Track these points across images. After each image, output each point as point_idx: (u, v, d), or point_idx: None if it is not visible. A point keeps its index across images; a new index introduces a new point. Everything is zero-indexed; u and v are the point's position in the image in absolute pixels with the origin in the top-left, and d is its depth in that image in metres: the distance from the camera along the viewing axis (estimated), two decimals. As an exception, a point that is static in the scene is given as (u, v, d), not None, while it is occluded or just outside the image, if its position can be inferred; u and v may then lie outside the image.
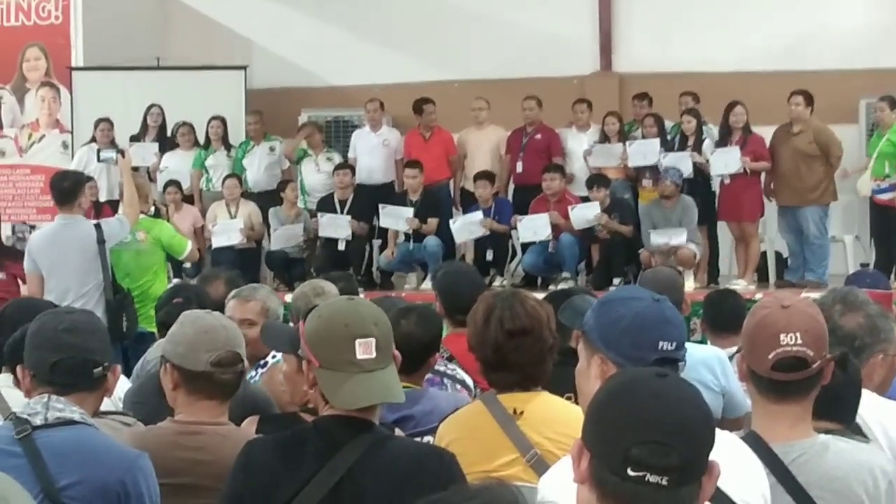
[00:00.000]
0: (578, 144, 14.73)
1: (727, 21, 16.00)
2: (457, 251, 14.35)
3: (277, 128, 15.96)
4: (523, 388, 4.26)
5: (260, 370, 5.62)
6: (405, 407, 4.52)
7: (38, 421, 3.67)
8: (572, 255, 13.73)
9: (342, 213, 14.42)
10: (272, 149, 15.57)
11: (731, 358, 6.18)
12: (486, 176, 14.32)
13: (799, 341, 3.31)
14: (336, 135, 16.66)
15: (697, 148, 13.83)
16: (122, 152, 10.98)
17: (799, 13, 15.83)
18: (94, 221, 9.81)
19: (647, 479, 2.23)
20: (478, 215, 14.02)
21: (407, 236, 14.23)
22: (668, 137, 14.32)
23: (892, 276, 13.01)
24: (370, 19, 17.22)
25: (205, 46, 17.30)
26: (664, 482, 2.23)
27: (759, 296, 11.52)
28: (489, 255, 14.11)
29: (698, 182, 13.76)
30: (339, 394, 3.32)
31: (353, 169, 14.82)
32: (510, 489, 2.24)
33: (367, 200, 14.56)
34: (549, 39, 16.48)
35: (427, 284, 13.60)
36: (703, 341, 7.53)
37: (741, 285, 12.94)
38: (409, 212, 14.06)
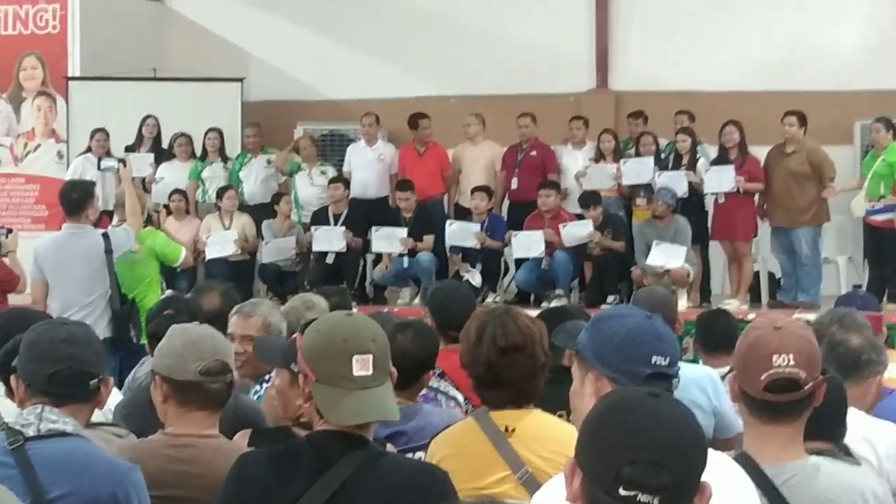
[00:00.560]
0: (573, 161, 14.74)
1: (723, 40, 16.03)
2: (449, 267, 14.33)
3: (273, 140, 15.97)
4: (515, 406, 4.26)
5: (265, 384, 5.60)
6: (398, 423, 4.51)
7: (30, 432, 3.67)
8: (566, 272, 13.73)
9: (336, 226, 14.42)
10: (269, 161, 15.59)
11: (722, 378, 6.19)
12: (483, 189, 14.34)
13: (791, 363, 3.31)
14: (332, 148, 16.67)
15: (692, 167, 13.84)
16: (123, 162, 10.98)
17: (795, 33, 15.88)
18: (102, 231, 9.79)
19: (638, 498, 2.24)
20: (475, 226, 14.02)
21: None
22: (663, 156, 14.33)
23: (885, 298, 13.03)
24: (367, 33, 17.25)
25: (201, 58, 17.31)
26: (656, 502, 2.23)
27: (751, 316, 11.53)
28: (477, 268, 14.09)
29: (692, 201, 13.77)
30: (336, 409, 3.32)
31: (347, 183, 14.82)
32: (502, 506, 2.24)
33: (361, 215, 14.57)
34: (545, 56, 16.52)
35: (418, 300, 13.58)
36: (695, 361, 7.53)
37: (734, 305, 12.95)
38: (402, 232, 14.05)
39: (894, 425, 4.60)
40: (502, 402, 4.27)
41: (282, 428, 4.45)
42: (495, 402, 4.28)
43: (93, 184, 10.39)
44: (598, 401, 2.47)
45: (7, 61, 16.76)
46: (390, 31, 17.19)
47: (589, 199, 13.91)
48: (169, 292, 13.90)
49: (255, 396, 5.38)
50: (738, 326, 7.01)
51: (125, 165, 10.64)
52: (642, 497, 2.24)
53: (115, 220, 10.48)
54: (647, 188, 13.95)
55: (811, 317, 10.15)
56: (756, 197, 13.70)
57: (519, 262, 14.30)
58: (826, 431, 3.80)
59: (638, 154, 14.41)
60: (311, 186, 15.28)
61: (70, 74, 16.54)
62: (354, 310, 6.05)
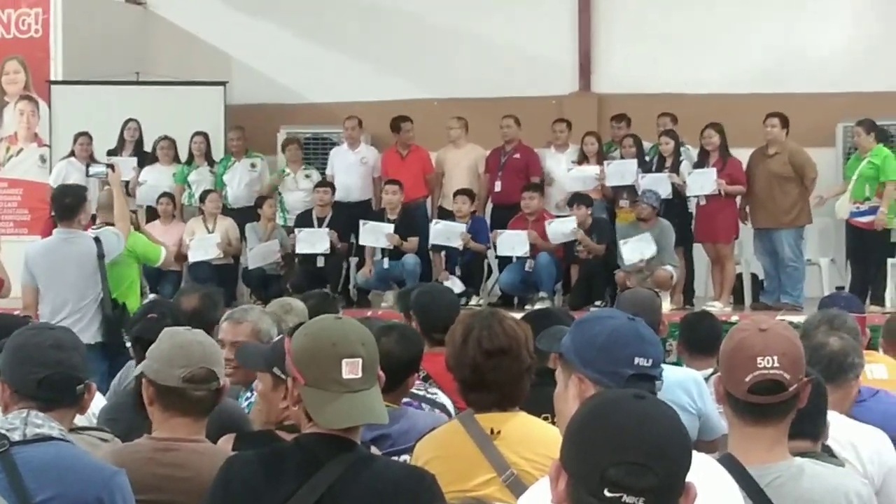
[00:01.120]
0: (557, 164, 14.78)
1: (706, 43, 16.06)
2: (433, 270, 14.34)
3: (256, 144, 15.98)
4: (501, 409, 4.26)
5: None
6: (382, 426, 4.52)
7: (16, 436, 3.66)
8: (549, 275, 13.75)
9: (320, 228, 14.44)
10: (253, 165, 15.59)
11: (706, 380, 6.21)
12: (465, 192, 14.35)
13: (776, 364, 3.32)
14: (315, 152, 16.65)
15: (675, 169, 13.87)
16: (112, 167, 10.97)
17: (778, 36, 15.92)
18: (94, 235, 9.78)
19: (623, 500, 2.24)
20: (460, 226, 14.03)
21: (384, 254, 14.22)
22: (647, 158, 14.36)
23: (867, 300, 13.07)
24: (350, 37, 17.26)
25: (184, 61, 17.31)
26: (641, 503, 2.24)
27: (735, 318, 11.57)
28: (457, 272, 14.09)
29: (675, 203, 13.79)
30: (325, 413, 3.32)
31: (333, 187, 14.81)
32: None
33: (344, 218, 14.57)
34: (528, 59, 16.54)
35: (391, 300, 13.58)
36: (678, 363, 7.55)
37: (717, 307, 12.97)
38: (389, 227, 14.06)
39: (876, 429, 4.63)
40: (488, 405, 4.27)
41: (266, 431, 4.45)
42: (481, 405, 4.29)
43: (85, 189, 10.40)
44: (582, 403, 2.48)
45: (-11, 66, 16.75)
46: (373, 35, 17.20)
47: (577, 198, 13.91)
48: (152, 296, 13.95)
49: (247, 403, 5.37)
50: (721, 328, 7.03)
51: (114, 171, 10.64)
52: (627, 499, 2.24)
53: (98, 221, 10.46)
54: (631, 190, 13.98)
55: (795, 318, 10.23)
56: (738, 199, 13.73)
57: (502, 265, 14.33)
58: (807, 429, 3.82)
59: (621, 157, 14.43)
60: (296, 190, 15.27)
61: (53, 78, 16.51)
62: (341, 313, 6.06)
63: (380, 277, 14.38)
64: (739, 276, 14.19)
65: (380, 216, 14.44)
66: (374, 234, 14.13)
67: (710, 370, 6.53)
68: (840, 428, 4.42)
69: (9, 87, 16.80)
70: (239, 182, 15.46)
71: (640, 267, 13.18)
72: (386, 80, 16.79)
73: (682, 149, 14.08)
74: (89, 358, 4.30)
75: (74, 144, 15.35)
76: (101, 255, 9.42)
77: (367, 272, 14.42)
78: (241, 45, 17.69)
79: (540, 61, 16.60)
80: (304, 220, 14.64)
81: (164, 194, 14.87)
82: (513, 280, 14.01)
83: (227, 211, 15.11)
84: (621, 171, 14.14)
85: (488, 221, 14.59)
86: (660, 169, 13.97)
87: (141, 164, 15.45)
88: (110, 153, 15.55)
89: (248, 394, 5.50)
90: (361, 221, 14.22)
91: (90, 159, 14.71)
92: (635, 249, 13.16)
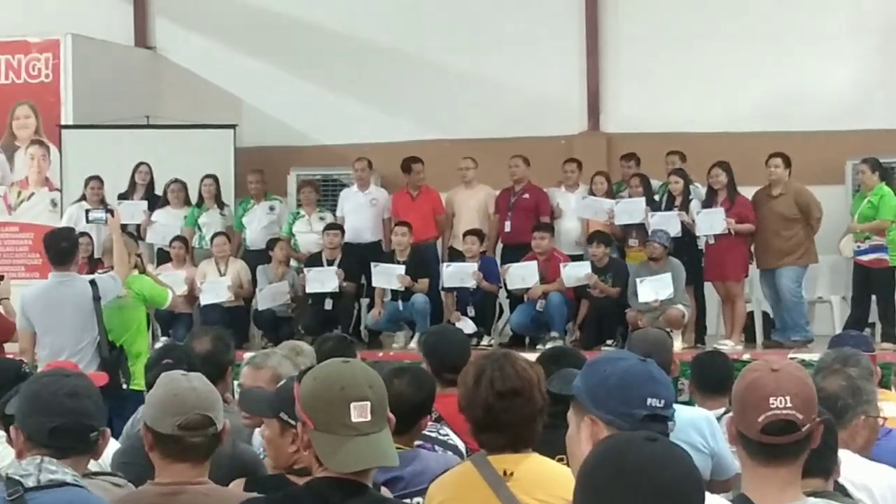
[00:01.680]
0: (567, 204, 14.79)
1: (714, 82, 16.12)
2: (444, 311, 14.34)
3: (267, 186, 15.99)
4: (514, 450, 4.25)
5: None
6: (395, 468, 4.51)
7: (30, 483, 3.67)
8: (560, 315, 13.73)
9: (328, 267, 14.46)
10: (272, 208, 15.63)
11: (719, 419, 6.20)
12: (475, 233, 14.36)
13: (788, 405, 3.32)
14: (325, 193, 16.69)
15: (685, 207, 13.87)
16: (111, 212, 11.01)
17: (786, 74, 15.95)
18: (90, 278, 9.83)
19: (637, 543, 2.24)
20: (472, 266, 14.03)
21: (394, 295, 14.23)
22: (656, 197, 14.37)
23: (879, 337, 13.06)
24: (360, 79, 17.32)
25: (194, 105, 17.39)
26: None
27: (746, 356, 11.56)
28: (470, 312, 14.08)
29: (685, 242, 13.78)
30: (335, 457, 3.32)
31: (342, 230, 14.84)
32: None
33: (355, 260, 14.59)
34: (537, 99, 16.60)
35: (415, 344, 13.58)
36: (690, 403, 7.54)
37: (728, 346, 12.97)
38: (400, 269, 14.07)
39: (888, 467, 4.62)
40: (500, 446, 4.26)
41: (277, 475, 4.45)
42: (493, 446, 4.28)
43: (74, 230, 10.44)
44: (594, 445, 2.48)
45: (0, 110, 16.80)
46: (382, 77, 17.27)
47: (597, 236, 13.92)
48: (164, 339, 13.97)
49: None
50: (733, 367, 7.02)
51: (113, 216, 10.68)
52: (641, 541, 2.24)
53: (106, 266, 10.51)
54: (640, 229, 13.99)
55: (807, 356, 10.21)
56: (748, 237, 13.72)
57: (513, 305, 14.32)
58: (818, 466, 3.82)
59: (630, 196, 14.45)
60: (310, 232, 15.30)
61: (63, 123, 16.59)
62: (358, 356, 6.05)
63: (390, 318, 14.38)
64: (751, 315, 14.16)
65: (390, 257, 14.45)
66: (386, 276, 14.14)
67: (723, 409, 6.52)
68: (853, 468, 4.41)
69: (20, 131, 16.87)
70: (258, 224, 15.49)
71: (652, 307, 13.17)
72: (395, 122, 16.86)
73: (691, 187, 14.08)
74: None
75: (85, 188, 15.40)
76: (96, 298, 9.46)
77: (376, 314, 14.42)
78: (251, 88, 17.78)
79: (548, 101, 16.66)
80: (315, 261, 14.65)
81: (177, 238, 14.90)
82: (524, 320, 14.00)
83: (245, 253, 15.14)
84: (630, 209, 14.15)
85: (499, 261, 14.59)
86: (669, 207, 13.98)
87: (152, 208, 15.49)
88: (121, 197, 15.61)
89: None
90: (373, 263, 14.23)
91: (101, 203, 14.76)
92: (651, 289, 13.14)
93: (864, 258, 13.29)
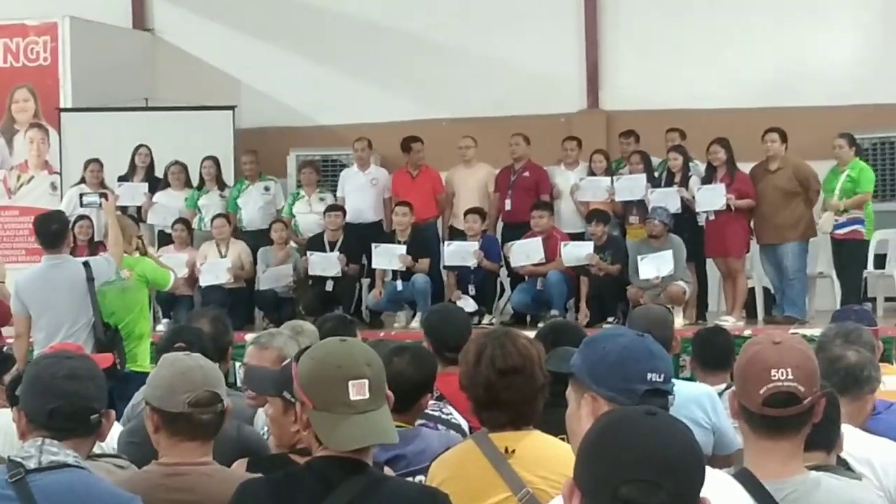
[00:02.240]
0: (566, 182, 14.77)
1: (713, 58, 16.10)
2: (445, 290, 14.35)
3: (266, 167, 16.00)
4: (515, 427, 4.25)
5: None
6: (397, 446, 4.50)
7: (31, 464, 3.66)
8: (560, 293, 13.74)
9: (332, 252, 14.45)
10: (267, 188, 15.61)
11: (720, 395, 6.21)
12: (476, 211, 14.36)
13: (790, 377, 3.32)
14: (325, 174, 16.68)
15: (684, 184, 13.87)
16: (105, 195, 11.01)
17: (785, 50, 15.95)
18: (83, 260, 9.86)
19: (635, 517, 2.25)
20: (473, 245, 14.03)
21: (395, 275, 14.23)
22: (656, 174, 14.37)
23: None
24: (358, 58, 17.31)
25: (193, 87, 17.36)
26: (654, 520, 2.24)
27: (747, 332, 11.56)
28: (471, 290, 14.08)
29: (685, 218, 13.78)
30: (334, 435, 3.32)
31: (343, 211, 14.82)
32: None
33: (356, 240, 14.58)
34: (536, 77, 16.59)
35: (416, 323, 13.60)
36: (692, 378, 7.55)
37: (730, 322, 12.98)
38: (401, 249, 14.07)
39: (892, 442, 4.62)
40: (501, 424, 4.27)
41: (279, 455, 4.45)
42: (494, 424, 4.28)
43: (63, 213, 10.45)
44: (595, 420, 2.48)
45: (-1, 94, 16.82)
46: (380, 56, 17.25)
47: (595, 215, 13.90)
48: (165, 321, 13.98)
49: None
50: (734, 343, 7.03)
51: (107, 199, 10.68)
52: (639, 515, 2.25)
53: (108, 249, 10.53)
54: (640, 206, 13.99)
55: (809, 332, 10.22)
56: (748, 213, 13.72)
57: (514, 284, 14.33)
58: (820, 440, 3.82)
59: (630, 174, 14.44)
60: (310, 213, 15.29)
61: (62, 106, 16.57)
62: (359, 336, 6.05)
63: (390, 298, 14.38)
64: (752, 291, 14.17)
65: (391, 237, 14.45)
66: (387, 257, 14.14)
67: (724, 385, 6.53)
68: (855, 442, 4.41)
69: (19, 115, 16.86)
70: (253, 205, 15.48)
71: (654, 283, 13.17)
72: (394, 101, 16.85)
73: (690, 164, 14.08)
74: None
75: (85, 171, 15.40)
76: (90, 279, 9.47)
77: (377, 294, 14.43)
78: (250, 68, 17.76)
79: (548, 79, 16.65)
80: (316, 242, 14.65)
81: (178, 220, 14.89)
82: (524, 298, 14.02)
83: (240, 234, 15.14)
84: (630, 186, 14.16)
85: (499, 240, 14.59)
86: (669, 184, 13.98)
87: (152, 190, 15.49)
88: (121, 179, 15.61)
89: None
90: (373, 245, 14.23)
91: (101, 186, 14.77)
92: (653, 266, 13.14)
93: (840, 231, 13.26)
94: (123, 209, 14.32)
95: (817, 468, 3.53)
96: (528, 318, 14.18)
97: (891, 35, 15.71)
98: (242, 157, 15.82)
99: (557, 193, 14.79)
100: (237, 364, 8.15)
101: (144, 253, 10.72)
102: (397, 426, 3.81)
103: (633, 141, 15.09)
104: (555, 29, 16.80)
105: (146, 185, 15.54)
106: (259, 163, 15.77)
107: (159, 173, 15.77)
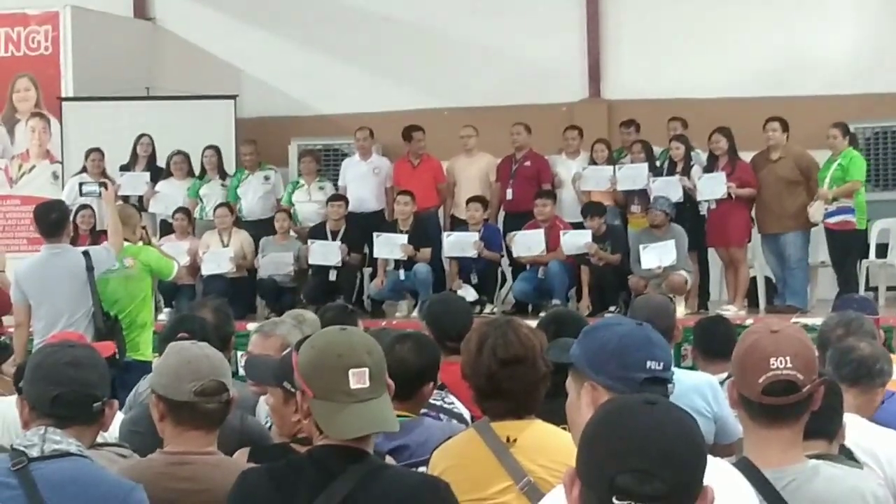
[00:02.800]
0: (567, 171, 14.77)
1: (715, 47, 16.08)
2: (447, 279, 14.36)
3: (267, 156, 16.01)
4: (516, 416, 4.26)
5: None
6: (400, 436, 4.52)
7: (34, 453, 3.67)
8: (562, 283, 13.75)
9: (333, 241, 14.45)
10: (267, 178, 15.62)
11: (721, 384, 6.21)
12: (479, 199, 14.37)
13: (789, 365, 3.33)
14: (326, 163, 16.69)
15: (686, 173, 13.86)
16: (104, 184, 11.02)
17: (787, 39, 15.93)
18: (83, 249, 9.87)
19: (632, 507, 2.25)
20: (473, 236, 14.04)
21: (396, 264, 14.24)
22: (658, 164, 14.36)
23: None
24: (359, 48, 17.29)
25: (194, 76, 17.36)
26: (652, 509, 2.25)
27: (749, 321, 11.56)
28: (473, 279, 14.10)
29: (687, 208, 13.78)
30: (334, 424, 3.33)
31: (346, 201, 14.82)
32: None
33: (358, 230, 14.58)
34: (537, 67, 16.58)
35: (417, 312, 13.60)
36: (693, 368, 7.55)
37: (731, 311, 12.99)
38: (402, 238, 14.08)
39: (894, 431, 4.63)
40: (503, 413, 4.27)
41: (280, 445, 4.46)
42: (496, 413, 4.29)
43: (63, 202, 10.45)
44: (596, 409, 2.49)
45: (0, 83, 16.78)
46: (382, 45, 17.24)
47: (591, 208, 13.91)
48: (167, 310, 13.99)
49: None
50: (736, 332, 7.03)
51: (106, 188, 10.69)
52: (637, 505, 2.25)
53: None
54: (642, 195, 13.99)
55: (811, 321, 10.22)
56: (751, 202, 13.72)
57: (515, 273, 14.34)
58: (821, 429, 3.82)
59: (631, 163, 14.43)
60: (309, 202, 15.30)
61: (63, 95, 16.56)
62: (360, 325, 6.05)
63: (393, 288, 14.39)
64: (753, 280, 14.17)
65: (392, 227, 14.45)
66: (388, 246, 14.14)
67: (725, 374, 6.52)
68: (862, 432, 4.42)
69: (20, 104, 16.85)
70: (253, 195, 15.48)
71: (655, 273, 13.18)
72: (396, 91, 16.83)
73: (692, 153, 14.08)
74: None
75: (86, 160, 15.41)
76: (90, 268, 9.48)
77: (378, 283, 14.44)
78: (251, 58, 17.75)
79: (549, 69, 16.63)
80: (318, 232, 14.65)
81: (179, 209, 14.90)
82: (526, 288, 14.03)
83: (241, 223, 15.15)
84: (632, 175, 14.15)
85: (501, 229, 14.60)
86: (671, 173, 13.97)
87: (154, 179, 15.50)
88: (123, 168, 15.62)
89: None
90: (375, 234, 14.23)
91: (102, 175, 14.78)
92: (655, 256, 13.15)
93: (832, 220, 13.24)
94: (125, 199, 14.34)
95: (818, 457, 3.54)
96: (530, 308, 14.19)
97: (892, 24, 15.70)
98: (242, 148, 15.84)
99: (559, 183, 14.78)
100: (238, 353, 8.16)
101: (148, 242, 10.73)
102: (400, 416, 3.82)
103: (633, 131, 15.09)
104: (556, 18, 16.78)
105: (148, 174, 15.54)
106: (259, 153, 15.78)
107: (161, 163, 15.77)
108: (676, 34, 16.23)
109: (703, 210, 13.83)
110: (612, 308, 13.42)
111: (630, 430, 2.30)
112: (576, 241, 13.72)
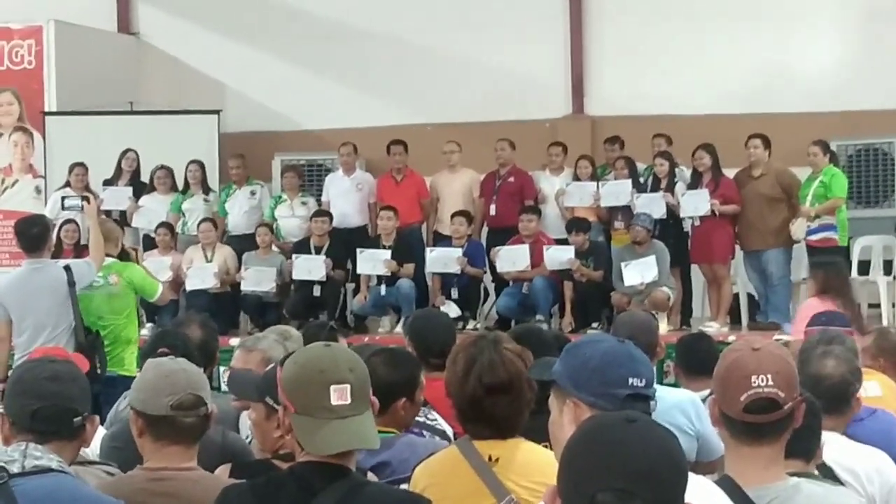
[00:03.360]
0: (551, 187, 14.77)
1: (698, 64, 16.14)
2: (430, 295, 14.35)
3: (251, 171, 15.98)
4: (500, 438, 4.24)
5: None
6: (382, 453, 4.50)
7: (14, 469, 3.66)
8: (546, 299, 13.76)
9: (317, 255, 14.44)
10: (253, 193, 15.60)
11: (703, 401, 6.21)
12: (463, 214, 14.38)
13: (770, 383, 3.33)
14: (309, 179, 16.68)
15: (670, 190, 13.88)
16: (87, 199, 11.01)
17: (769, 56, 15.99)
18: (64, 263, 9.85)
19: (612, 525, 2.25)
20: (456, 251, 14.04)
21: (379, 280, 14.23)
22: (641, 180, 14.38)
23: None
24: (343, 63, 17.30)
25: (178, 91, 17.37)
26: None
27: (731, 338, 11.56)
28: (454, 294, 14.10)
29: (671, 224, 13.81)
30: (314, 440, 3.32)
31: (330, 216, 14.80)
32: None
33: (341, 245, 14.57)
34: (521, 83, 16.60)
35: (400, 328, 13.57)
36: (675, 385, 7.55)
37: (714, 328, 12.99)
38: (386, 254, 14.08)
39: (875, 449, 4.63)
40: (486, 436, 4.24)
41: (262, 461, 4.45)
42: (479, 435, 4.26)
43: (45, 216, 10.44)
44: (577, 427, 2.49)
45: (-17, 98, 16.77)
46: (366, 61, 17.25)
47: (575, 224, 13.92)
48: (149, 325, 13.95)
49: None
50: (718, 349, 7.02)
51: (89, 202, 10.68)
52: (616, 524, 2.25)
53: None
54: (626, 211, 14.00)
55: (791, 338, 10.21)
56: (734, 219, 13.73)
57: (499, 289, 14.35)
58: (799, 449, 3.82)
59: (615, 179, 14.45)
60: (291, 217, 15.29)
61: (47, 109, 16.53)
62: (343, 342, 6.03)
63: (376, 303, 14.39)
64: (736, 297, 14.19)
65: (376, 242, 14.45)
66: (372, 262, 14.15)
67: (707, 391, 6.51)
68: (839, 449, 4.42)
69: (3, 118, 16.81)
70: (239, 209, 15.47)
71: (639, 290, 13.19)
72: (379, 106, 16.85)
73: (676, 169, 14.10)
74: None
75: (70, 175, 15.36)
76: (71, 283, 9.48)
77: (361, 299, 14.43)
78: (235, 73, 17.75)
79: (533, 85, 16.67)
80: (302, 247, 14.63)
81: (162, 224, 14.88)
82: (510, 304, 14.02)
83: (229, 238, 15.13)
84: (616, 191, 14.17)
85: (484, 245, 14.60)
86: (655, 190, 13.99)
87: (137, 194, 15.46)
88: (106, 183, 15.58)
89: None
90: (358, 249, 14.22)
91: (85, 190, 14.74)
92: (637, 272, 13.16)
93: (814, 237, 13.26)
94: (108, 213, 14.30)
95: (799, 475, 3.54)
96: (513, 323, 14.15)
97: (873, 42, 15.76)
98: (230, 162, 15.81)
99: (542, 199, 14.79)
100: (221, 369, 8.14)
101: (136, 262, 10.71)
102: (382, 433, 3.81)
103: (618, 147, 15.10)
104: (540, 34, 16.82)
105: (130, 189, 15.51)
106: (246, 167, 15.77)
107: (145, 177, 15.73)
108: (660, 51, 16.28)
109: (687, 227, 13.86)
110: (594, 324, 13.45)
111: (610, 448, 2.31)
112: (558, 256, 13.73)
